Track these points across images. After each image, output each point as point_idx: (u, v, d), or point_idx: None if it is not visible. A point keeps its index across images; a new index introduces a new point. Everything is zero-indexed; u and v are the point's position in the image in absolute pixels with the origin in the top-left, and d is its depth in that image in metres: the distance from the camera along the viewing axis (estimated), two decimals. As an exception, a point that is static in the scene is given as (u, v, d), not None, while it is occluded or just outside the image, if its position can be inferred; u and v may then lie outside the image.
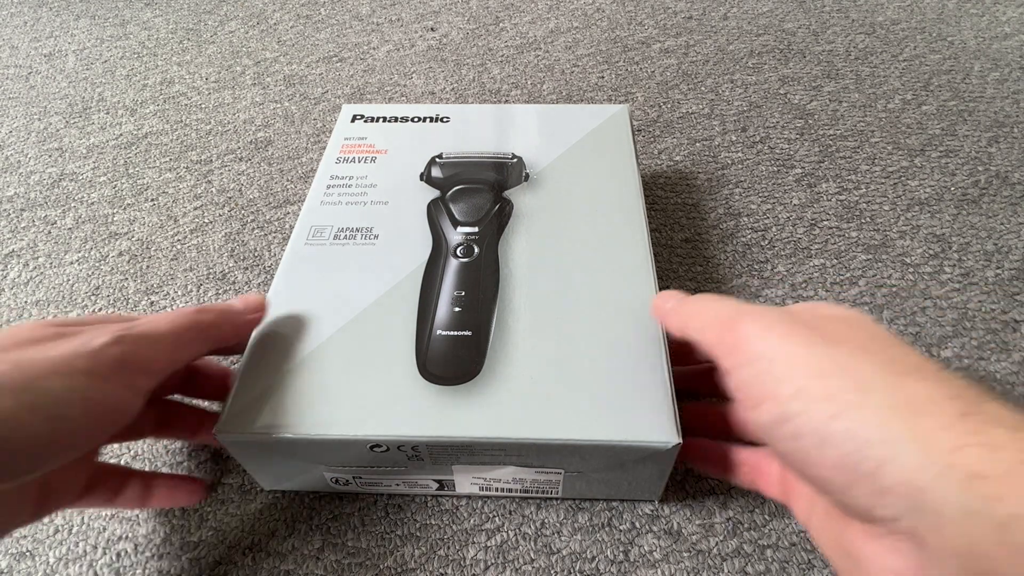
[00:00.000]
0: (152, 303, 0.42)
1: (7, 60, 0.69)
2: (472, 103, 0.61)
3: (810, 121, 0.56)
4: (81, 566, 0.30)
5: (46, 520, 0.32)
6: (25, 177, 0.53)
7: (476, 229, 0.34)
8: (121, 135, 0.57)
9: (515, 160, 0.39)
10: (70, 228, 0.48)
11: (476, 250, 0.33)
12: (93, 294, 0.43)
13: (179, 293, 0.43)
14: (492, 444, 0.27)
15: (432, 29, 0.74)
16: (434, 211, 0.36)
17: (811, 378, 0.19)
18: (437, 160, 0.39)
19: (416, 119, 0.42)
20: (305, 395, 0.28)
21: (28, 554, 0.31)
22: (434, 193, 0.37)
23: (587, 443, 0.26)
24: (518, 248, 0.34)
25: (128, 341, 0.24)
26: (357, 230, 0.35)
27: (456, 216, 0.35)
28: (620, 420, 0.26)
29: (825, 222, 0.46)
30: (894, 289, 0.41)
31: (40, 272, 0.45)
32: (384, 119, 0.43)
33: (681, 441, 0.26)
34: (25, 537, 0.32)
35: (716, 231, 0.46)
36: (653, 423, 0.26)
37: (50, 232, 0.48)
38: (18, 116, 0.60)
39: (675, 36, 0.70)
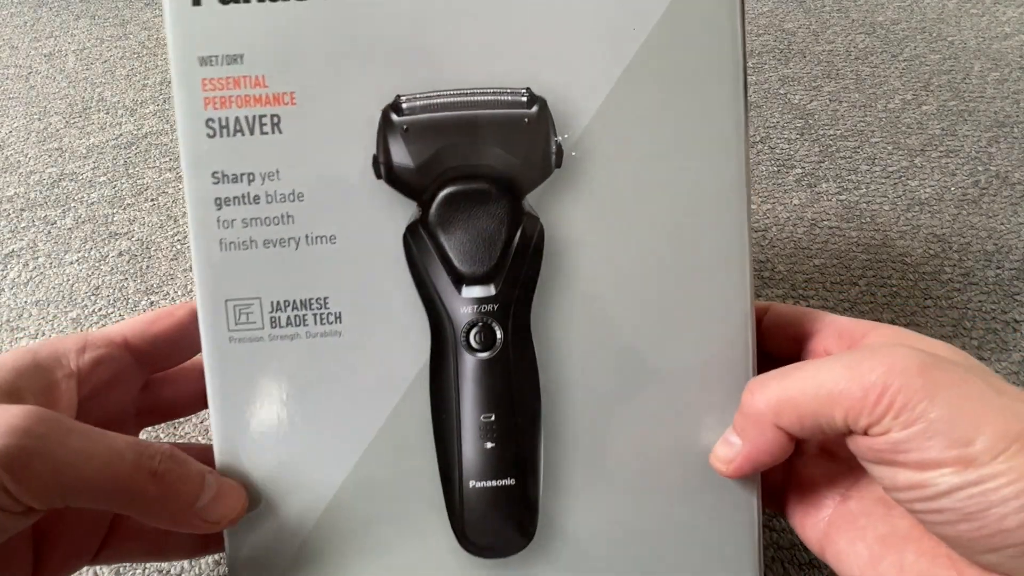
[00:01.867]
0: (152, 303, 0.42)
1: (7, 60, 0.69)
2: None
3: (810, 121, 0.56)
4: (81, 566, 0.30)
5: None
6: (25, 177, 0.53)
7: (492, 289, 0.22)
8: (121, 135, 0.57)
9: (534, 108, 0.21)
10: (70, 228, 0.48)
11: (499, 334, 0.22)
12: (93, 294, 0.43)
13: (179, 293, 0.43)
14: None
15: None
16: (416, 253, 0.22)
17: (1014, 440, 0.17)
18: (396, 116, 0.21)
19: None
20: None
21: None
22: (409, 207, 0.22)
23: None
24: (558, 322, 0.22)
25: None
26: (304, 305, 0.21)
27: (457, 265, 0.22)
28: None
29: (825, 222, 0.46)
30: (894, 289, 0.41)
31: (40, 272, 0.45)
32: None
33: None
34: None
35: (716, 231, 0.46)
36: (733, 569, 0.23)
37: (50, 232, 0.48)
38: (18, 116, 0.60)
39: (675, 36, 0.70)
